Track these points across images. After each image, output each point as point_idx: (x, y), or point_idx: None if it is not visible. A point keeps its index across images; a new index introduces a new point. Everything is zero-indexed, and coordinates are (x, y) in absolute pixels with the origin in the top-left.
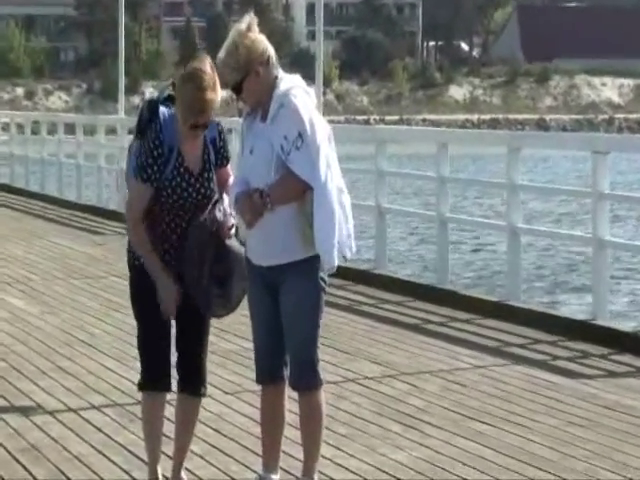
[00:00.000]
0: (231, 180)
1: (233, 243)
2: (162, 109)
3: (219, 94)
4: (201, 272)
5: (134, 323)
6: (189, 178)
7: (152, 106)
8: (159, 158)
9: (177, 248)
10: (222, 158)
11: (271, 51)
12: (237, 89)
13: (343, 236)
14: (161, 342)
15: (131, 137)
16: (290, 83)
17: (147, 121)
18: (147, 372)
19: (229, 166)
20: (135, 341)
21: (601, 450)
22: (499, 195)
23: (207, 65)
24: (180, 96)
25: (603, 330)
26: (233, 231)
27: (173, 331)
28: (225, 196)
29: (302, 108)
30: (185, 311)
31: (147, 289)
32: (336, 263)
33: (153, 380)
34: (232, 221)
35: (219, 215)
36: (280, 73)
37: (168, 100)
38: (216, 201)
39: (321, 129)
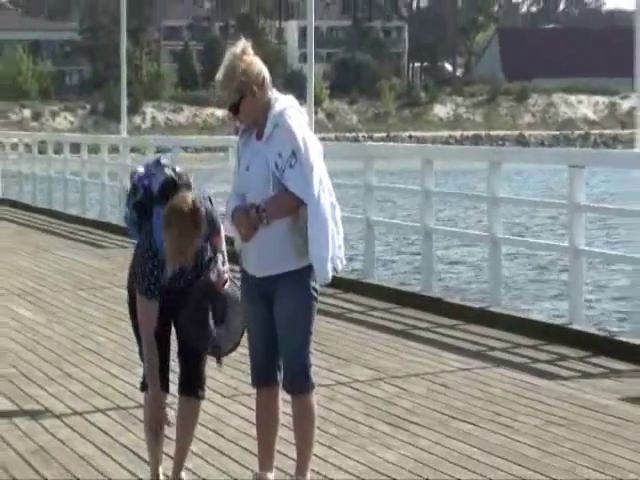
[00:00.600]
0: (223, 242)
1: (228, 290)
2: (154, 221)
3: (202, 229)
4: (203, 320)
5: None
6: (181, 274)
7: (146, 201)
8: (159, 275)
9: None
10: (213, 233)
11: (266, 73)
12: (234, 109)
13: (335, 249)
14: (159, 352)
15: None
16: (284, 103)
17: (142, 208)
18: None
19: (222, 232)
20: (137, 348)
21: (580, 448)
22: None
23: (188, 206)
24: (164, 235)
25: (580, 334)
26: (228, 284)
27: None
28: (219, 255)
29: (296, 128)
30: (185, 320)
31: None
32: (330, 275)
33: None
34: (226, 277)
35: (213, 277)
36: (275, 93)
37: (165, 190)
38: (210, 260)
39: (314, 147)
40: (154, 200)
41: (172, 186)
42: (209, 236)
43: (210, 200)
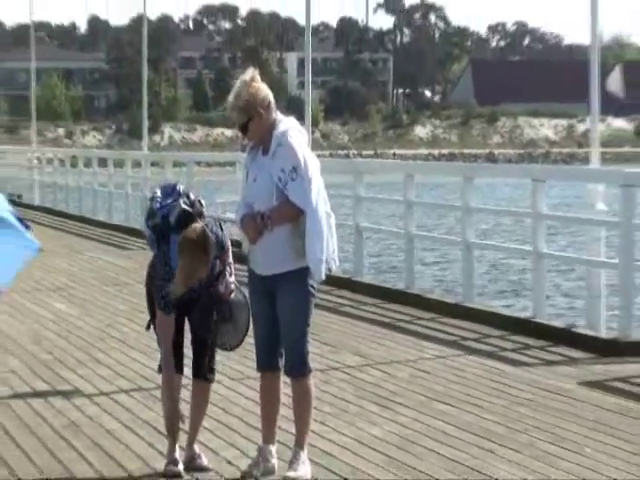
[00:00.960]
0: (230, 257)
1: (233, 298)
2: (171, 246)
3: (211, 255)
4: (211, 320)
5: None
6: (194, 288)
7: (164, 228)
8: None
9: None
10: (222, 253)
11: (271, 97)
12: (243, 129)
13: (329, 252)
14: (175, 342)
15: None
16: (287, 124)
17: (160, 232)
18: None
19: (229, 250)
20: (155, 337)
21: (542, 425)
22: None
23: (199, 237)
24: (180, 258)
25: (542, 326)
26: (234, 293)
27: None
28: (227, 269)
29: (297, 146)
30: (196, 319)
31: None
32: (323, 275)
33: None
34: (232, 287)
35: (221, 288)
36: (279, 116)
37: (181, 221)
38: (220, 273)
39: (312, 163)
40: (171, 229)
41: (187, 217)
42: (219, 254)
43: (220, 225)
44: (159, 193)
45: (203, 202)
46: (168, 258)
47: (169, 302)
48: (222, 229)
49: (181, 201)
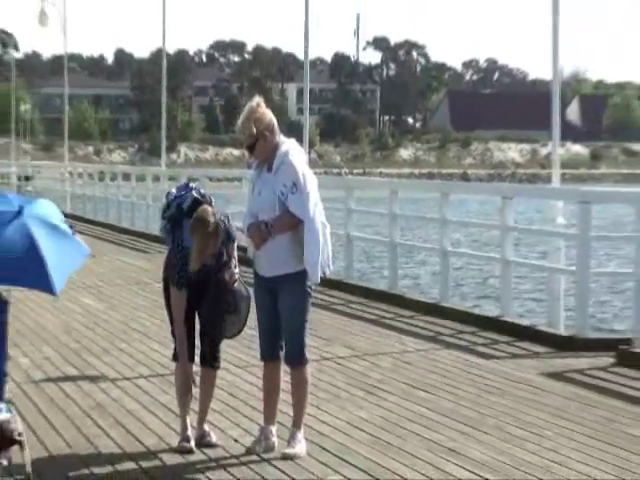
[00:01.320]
0: (235, 251)
1: (237, 287)
2: (184, 230)
3: (219, 232)
4: (218, 311)
5: None
6: (203, 270)
7: (178, 215)
8: (186, 269)
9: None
10: (229, 242)
11: (275, 121)
12: (250, 149)
13: (324, 258)
14: (186, 332)
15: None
16: (289, 145)
17: (175, 221)
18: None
19: (235, 243)
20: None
21: (509, 411)
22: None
23: (210, 215)
24: (193, 237)
25: (508, 324)
26: (237, 283)
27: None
28: (232, 260)
29: (297, 164)
30: (205, 314)
31: None
32: (319, 278)
33: None
34: (236, 277)
35: (226, 276)
36: (281, 137)
37: (193, 208)
38: (225, 263)
39: (310, 180)
40: (184, 215)
41: (198, 204)
42: (226, 244)
43: (228, 218)
44: (174, 190)
45: (213, 199)
46: (181, 241)
47: (182, 278)
48: (229, 221)
49: (194, 192)
